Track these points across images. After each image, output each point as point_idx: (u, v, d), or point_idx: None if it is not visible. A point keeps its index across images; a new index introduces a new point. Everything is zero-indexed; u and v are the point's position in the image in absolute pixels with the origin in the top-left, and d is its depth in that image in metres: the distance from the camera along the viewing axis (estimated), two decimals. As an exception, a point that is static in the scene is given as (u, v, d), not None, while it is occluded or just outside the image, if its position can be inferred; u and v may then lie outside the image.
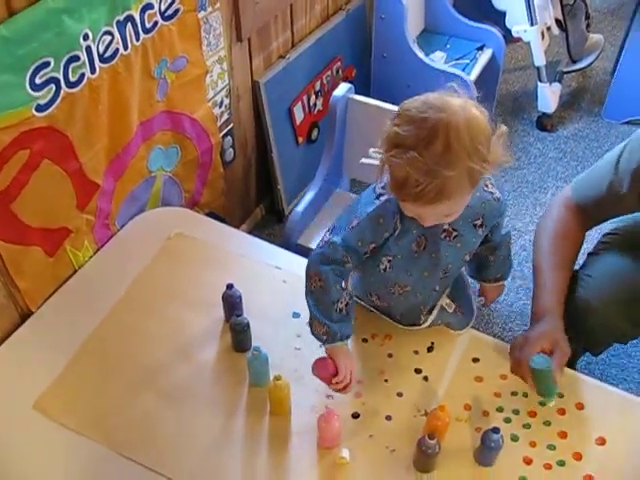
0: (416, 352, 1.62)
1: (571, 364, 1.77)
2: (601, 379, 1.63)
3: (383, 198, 1.39)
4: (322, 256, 1.43)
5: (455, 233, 1.44)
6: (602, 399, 1.55)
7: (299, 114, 2.61)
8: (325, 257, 1.42)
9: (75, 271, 1.81)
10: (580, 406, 1.53)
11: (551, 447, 1.46)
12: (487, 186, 1.44)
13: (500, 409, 1.52)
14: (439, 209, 1.28)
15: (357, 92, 2.21)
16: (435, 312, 1.61)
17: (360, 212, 1.41)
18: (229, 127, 2.30)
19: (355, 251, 1.42)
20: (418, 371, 1.59)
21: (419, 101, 1.23)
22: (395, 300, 1.55)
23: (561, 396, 1.53)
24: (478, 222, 1.46)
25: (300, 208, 2.21)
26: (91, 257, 1.85)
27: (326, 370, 1.42)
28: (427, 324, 1.62)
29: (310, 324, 1.46)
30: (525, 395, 1.54)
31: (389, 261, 1.46)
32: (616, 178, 1.61)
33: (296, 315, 1.70)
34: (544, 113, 3.30)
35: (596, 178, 1.67)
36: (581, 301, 1.66)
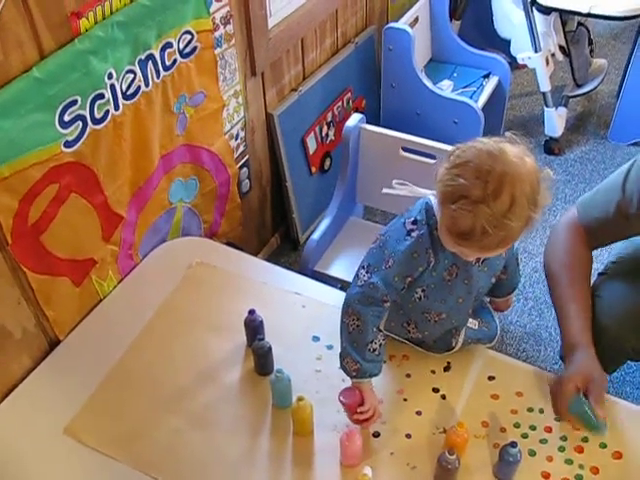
0: (433, 372, 1.66)
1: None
2: (616, 397, 1.66)
3: (414, 234, 1.42)
4: (362, 295, 1.46)
5: (482, 258, 1.49)
6: (617, 414, 1.57)
7: (312, 144, 2.67)
8: (365, 297, 1.45)
9: (100, 300, 1.86)
10: (596, 421, 1.56)
11: (568, 462, 1.48)
12: None
13: (517, 425, 1.55)
14: (495, 253, 1.35)
15: (367, 121, 2.26)
16: (462, 333, 1.64)
17: (393, 250, 1.44)
18: (245, 159, 2.37)
19: (393, 288, 1.46)
20: (436, 390, 1.62)
21: (479, 151, 1.27)
22: (431, 328, 1.59)
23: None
24: None
25: (316, 236, 2.26)
26: (115, 286, 1.90)
27: (353, 398, 1.47)
28: (459, 346, 1.65)
29: (341, 358, 1.50)
30: (541, 411, 1.57)
31: (423, 290, 1.50)
32: (623, 199, 1.61)
33: (316, 339, 1.75)
34: (551, 137, 3.35)
35: (602, 199, 1.68)
36: (593, 321, 1.67)
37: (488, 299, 1.77)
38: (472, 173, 1.25)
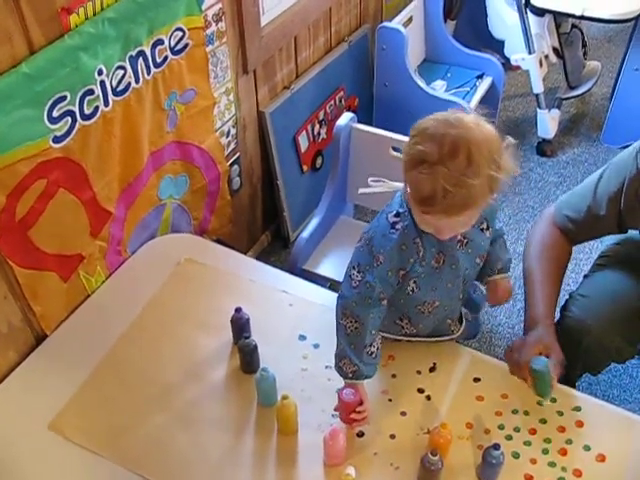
0: (419, 372, 1.66)
1: (571, 384, 1.81)
2: (603, 400, 1.66)
3: (399, 227, 1.42)
4: (359, 297, 1.45)
5: (466, 240, 1.50)
6: (601, 417, 1.58)
7: (304, 143, 2.67)
8: (363, 298, 1.45)
9: (88, 296, 1.86)
10: (580, 424, 1.56)
11: (551, 464, 1.48)
12: None
13: (501, 427, 1.55)
14: (463, 218, 1.33)
15: (359, 121, 2.27)
16: (464, 322, 1.68)
17: (381, 245, 1.43)
18: (236, 156, 2.37)
19: (389, 284, 1.46)
20: (421, 390, 1.62)
21: (436, 120, 1.30)
22: (425, 320, 1.60)
23: (561, 414, 1.57)
24: (484, 225, 1.53)
25: (306, 234, 2.26)
26: (103, 282, 1.90)
27: (354, 397, 1.47)
28: (459, 333, 1.68)
29: (338, 359, 1.50)
30: (526, 413, 1.58)
31: (414, 282, 1.50)
32: (594, 202, 1.68)
33: (302, 337, 1.75)
34: (544, 139, 3.36)
35: (576, 200, 1.74)
36: (576, 321, 1.69)
37: (482, 291, 1.76)
38: (428, 138, 1.28)
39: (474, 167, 1.25)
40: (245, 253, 2.58)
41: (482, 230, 1.53)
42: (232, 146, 2.32)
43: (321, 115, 2.75)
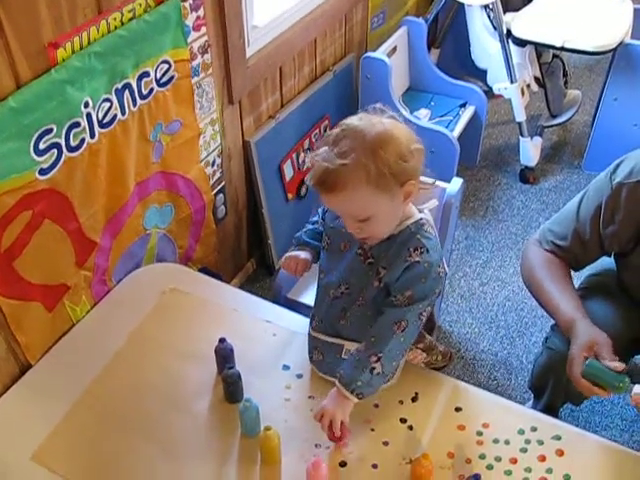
0: (401, 402, 1.67)
1: (553, 413, 1.82)
2: (585, 426, 1.67)
3: None
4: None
5: (370, 260, 1.52)
6: (581, 445, 1.58)
7: (288, 171, 2.69)
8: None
9: (73, 325, 1.87)
10: (560, 452, 1.56)
11: (532, 493, 1.50)
12: (411, 253, 1.46)
13: (482, 456, 1.56)
14: (340, 201, 1.38)
15: (344, 150, 2.29)
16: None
17: None
18: (221, 185, 2.38)
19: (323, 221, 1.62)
20: (403, 420, 1.63)
21: (357, 115, 1.39)
22: (324, 306, 1.64)
23: (541, 443, 1.58)
24: (382, 274, 1.50)
25: (289, 262, 2.26)
26: (88, 311, 1.91)
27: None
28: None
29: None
30: (507, 442, 1.58)
31: (327, 243, 1.61)
32: (578, 225, 1.70)
33: (286, 367, 1.75)
34: (526, 166, 3.39)
35: (560, 228, 1.75)
36: (558, 353, 1.70)
37: None
38: (338, 127, 1.38)
39: (349, 152, 1.31)
40: (230, 280, 2.60)
41: (378, 272, 1.51)
42: (217, 175, 2.34)
43: (306, 144, 2.78)
